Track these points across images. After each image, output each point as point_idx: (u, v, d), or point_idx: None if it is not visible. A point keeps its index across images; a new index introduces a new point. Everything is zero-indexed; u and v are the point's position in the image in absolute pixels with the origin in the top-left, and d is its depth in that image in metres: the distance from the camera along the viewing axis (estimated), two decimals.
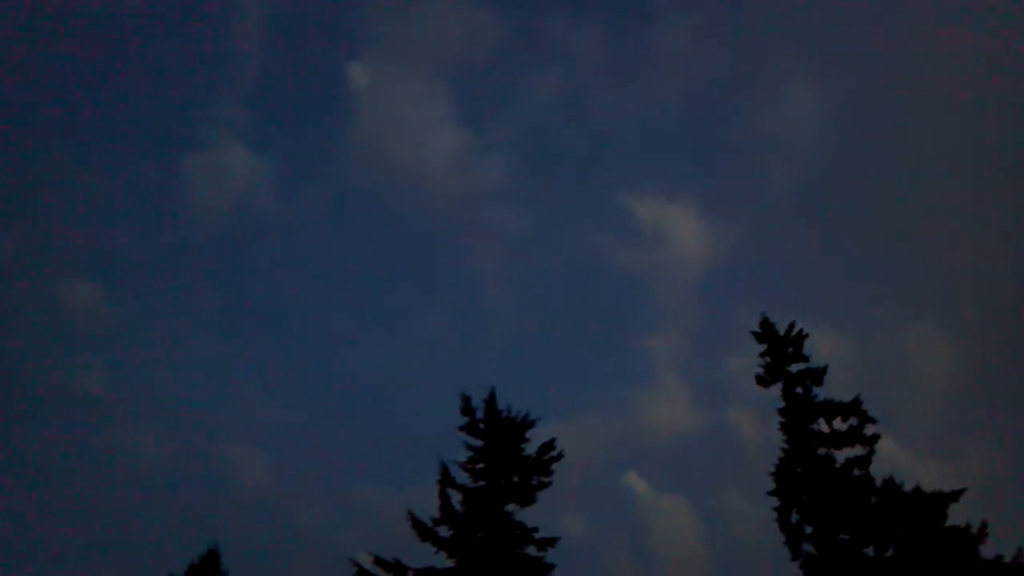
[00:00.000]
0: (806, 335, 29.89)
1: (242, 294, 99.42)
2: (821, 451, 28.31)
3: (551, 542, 26.88)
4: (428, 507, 27.27)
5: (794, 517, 27.77)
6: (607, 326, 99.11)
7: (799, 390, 29.22)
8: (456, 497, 27.35)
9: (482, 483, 27.56)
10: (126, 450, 73.49)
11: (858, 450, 28.25)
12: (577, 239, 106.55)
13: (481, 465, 27.78)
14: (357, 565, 26.31)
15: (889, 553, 26.75)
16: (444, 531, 26.99)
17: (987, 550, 26.15)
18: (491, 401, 28.40)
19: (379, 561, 26.36)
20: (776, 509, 27.94)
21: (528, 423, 28.26)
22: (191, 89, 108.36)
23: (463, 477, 27.69)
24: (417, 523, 26.89)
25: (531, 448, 28.05)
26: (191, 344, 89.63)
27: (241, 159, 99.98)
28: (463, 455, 27.94)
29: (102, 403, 77.49)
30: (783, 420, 28.88)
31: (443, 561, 26.69)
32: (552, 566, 26.63)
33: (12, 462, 65.58)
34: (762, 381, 29.70)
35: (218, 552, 32.30)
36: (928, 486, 27.12)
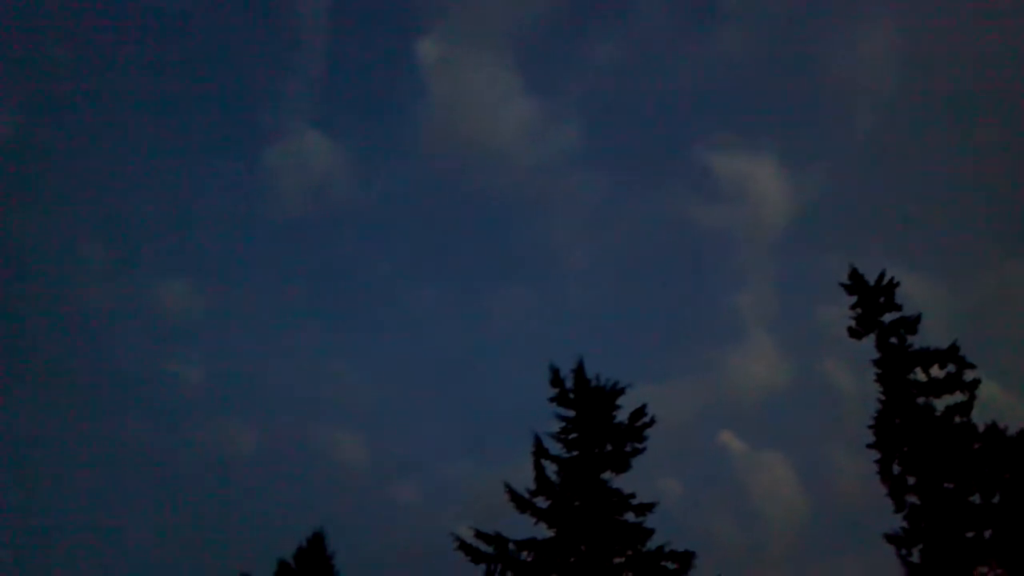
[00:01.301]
0: (897, 283, 29.73)
1: (328, 279, 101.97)
2: (920, 400, 28.32)
3: (649, 507, 27.41)
4: (523, 479, 28.06)
5: (896, 469, 27.92)
6: (692, 285, 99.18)
7: (893, 340, 29.18)
8: (551, 468, 28.00)
9: (576, 453, 28.16)
10: (227, 439, 76.51)
11: (958, 397, 28.23)
12: (656, 199, 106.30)
13: (574, 435, 28.36)
14: (459, 539, 27.09)
15: (996, 500, 26.81)
16: (541, 502, 27.69)
17: None
18: (580, 371, 28.88)
19: (480, 535, 27.17)
20: (877, 461, 28.11)
21: (618, 391, 28.72)
22: (263, 81, 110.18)
23: (557, 448, 28.33)
24: (514, 495, 27.63)
25: (622, 416, 28.51)
26: (282, 332, 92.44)
27: (317, 146, 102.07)
28: (555, 426, 28.54)
29: (200, 395, 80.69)
30: (879, 371, 28.91)
31: (542, 531, 27.48)
32: (651, 531, 27.12)
33: (119, 456, 68.71)
34: (855, 333, 29.70)
35: (323, 535, 33.78)
36: None
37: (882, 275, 29.88)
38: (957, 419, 27.91)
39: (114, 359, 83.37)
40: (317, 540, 34.25)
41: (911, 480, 27.69)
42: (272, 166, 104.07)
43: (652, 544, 26.89)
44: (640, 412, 28.40)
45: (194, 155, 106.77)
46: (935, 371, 28.52)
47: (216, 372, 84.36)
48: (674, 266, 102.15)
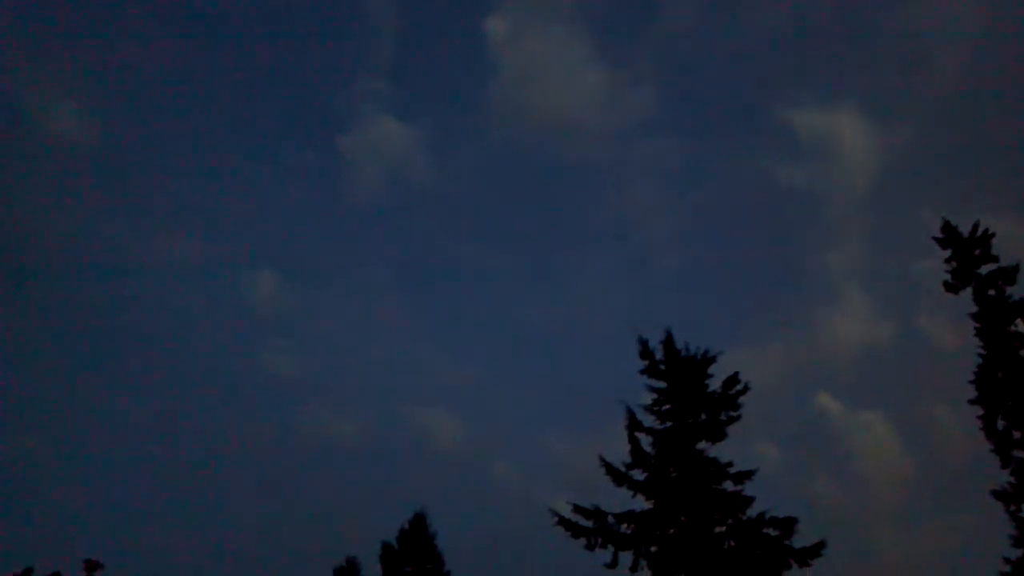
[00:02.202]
0: (992, 234, 29.15)
1: (411, 262, 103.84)
2: (1022, 353, 27.87)
3: (747, 475, 27.61)
4: (617, 452, 28.53)
5: (1000, 424, 27.56)
6: (779, 246, 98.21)
7: (991, 292, 28.72)
8: (646, 440, 28.41)
9: (670, 424, 28.48)
10: (325, 427, 79.09)
11: None
12: (736, 161, 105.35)
13: (667, 406, 28.66)
14: (557, 515, 27.69)
15: None
16: (638, 474, 28.12)
17: None
18: (668, 341, 29.11)
19: (578, 509, 27.72)
20: (980, 417, 27.81)
21: (709, 359, 28.91)
22: (336, 71, 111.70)
23: (650, 420, 28.68)
24: (611, 469, 28.10)
25: (715, 384, 28.71)
26: (370, 317, 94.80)
27: (392, 131, 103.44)
28: (647, 398, 28.90)
29: (294, 383, 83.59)
30: (977, 325, 28.49)
31: (640, 504, 27.94)
32: (751, 498, 27.32)
33: (221, 447, 71.56)
34: (951, 287, 29.29)
35: (424, 516, 35.00)
36: None
37: (976, 226, 29.36)
38: None
39: (210, 353, 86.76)
40: (419, 521, 35.51)
41: (1017, 435, 27.35)
42: (349, 154, 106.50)
43: (752, 512, 27.12)
44: (733, 379, 28.55)
45: (272, 149, 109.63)
46: None
47: (310, 361, 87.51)
48: (759, 228, 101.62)
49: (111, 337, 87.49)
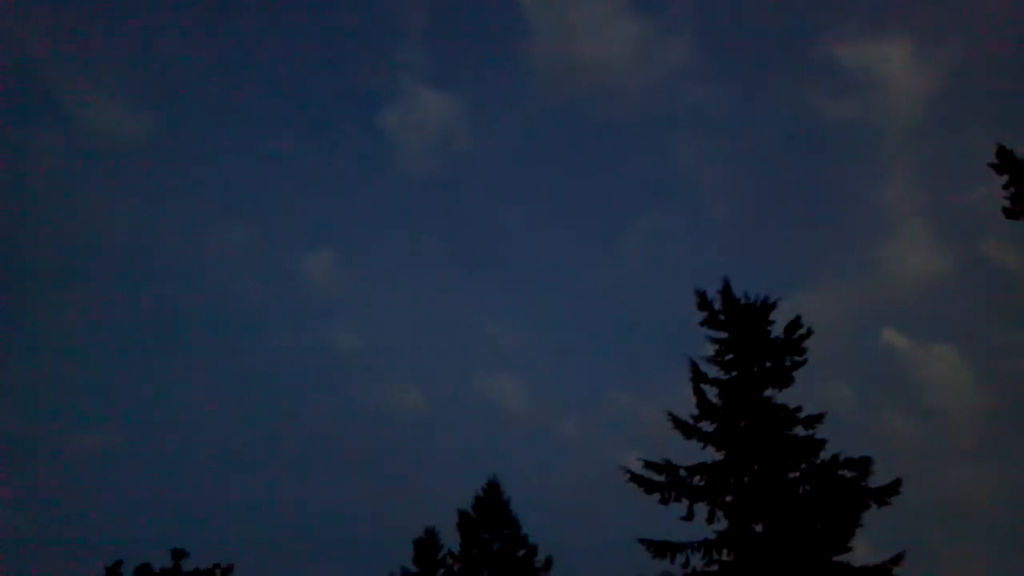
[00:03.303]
0: None
1: (462, 232, 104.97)
2: None
3: (817, 418, 27.86)
4: (682, 405, 28.94)
5: None
6: (831, 184, 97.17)
7: None
8: (711, 391, 28.74)
9: (735, 374, 28.79)
10: (392, 401, 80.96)
11: None
12: (781, 102, 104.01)
13: (730, 356, 28.97)
14: (629, 472, 28.17)
15: None
16: (706, 426, 28.49)
17: None
18: (727, 291, 29.32)
19: (649, 464, 28.17)
20: None
21: (769, 305, 29.11)
22: (371, 46, 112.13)
23: (714, 371, 29.02)
24: (678, 422, 28.50)
25: (777, 330, 28.90)
26: (425, 288, 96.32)
27: (431, 101, 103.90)
28: (709, 349, 29.22)
29: (358, 359, 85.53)
30: None
31: (711, 455, 28.38)
32: (823, 441, 27.57)
33: (290, 427, 73.69)
34: (1011, 214, 28.70)
35: (498, 483, 35.93)
36: None
37: None
38: None
39: (273, 336, 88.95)
40: (492, 488, 36.45)
41: None
42: (391, 128, 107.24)
43: (826, 455, 27.38)
44: (795, 324, 28.73)
45: (316, 129, 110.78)
46: None
47: (372, 337, 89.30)
48: (810, 167, 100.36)
49: (172, 329, 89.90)
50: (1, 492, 66.15)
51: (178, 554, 31.87)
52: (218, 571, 31.94)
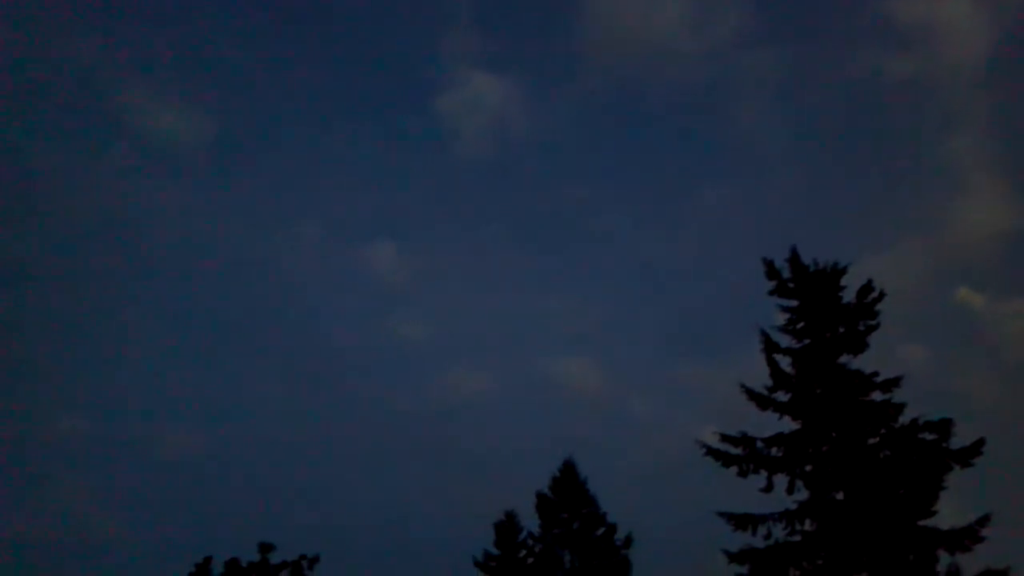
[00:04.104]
0: None
1: (523, 213, 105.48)
2: None
3: (895, 382, 27.79)
4: (755, 376, 29.08)
5: None
6: (896, 142, 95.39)
7: None
8: (784, 361, 28.81)
9: (807, 341, 28.82)
10: (458, 387, 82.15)
11: None
12: (839, 62, 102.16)
13: (801, 324, 28.99)
14: (705, 445, 28.42)
15: None
16: (781, 396, 28.59)
17: None
18: (795, 258, 29.27)
19: (725, 438, 28.38)
20: None
21: (840, 270, 29.04)
22: (423, 32, 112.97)
23: (786, 340, 29.05)
24: (752, 394, 28.64)
25: (849, 295, 28.83)
26: (489, 273, 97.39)
27: (485, 85, 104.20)
28: (780, 319, 29.29)
29: (427, 348, 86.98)
30: None
31: (787, 425, 28.49)
32: (902, 405, 27.51)
33: (362, 419, 75.42)
34: None
35: (574, 463, 36.50)
36: None
37: None
38: None
39: (342, 330, 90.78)
40: (568, 469, 37.05)
41: None
42: (447, 115, 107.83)
43: (904, 418, 27.36)
44: (867, 288, 28.64)
45: (370, 120, 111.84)
46: None
47: (439, 324, 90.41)
48: (872, 126, 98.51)
49: (241, 329, 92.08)
50: (92, 493, 68.92)
51: (265, 547, 32.95)
52: (304, 562, 32.97)
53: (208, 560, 32.87)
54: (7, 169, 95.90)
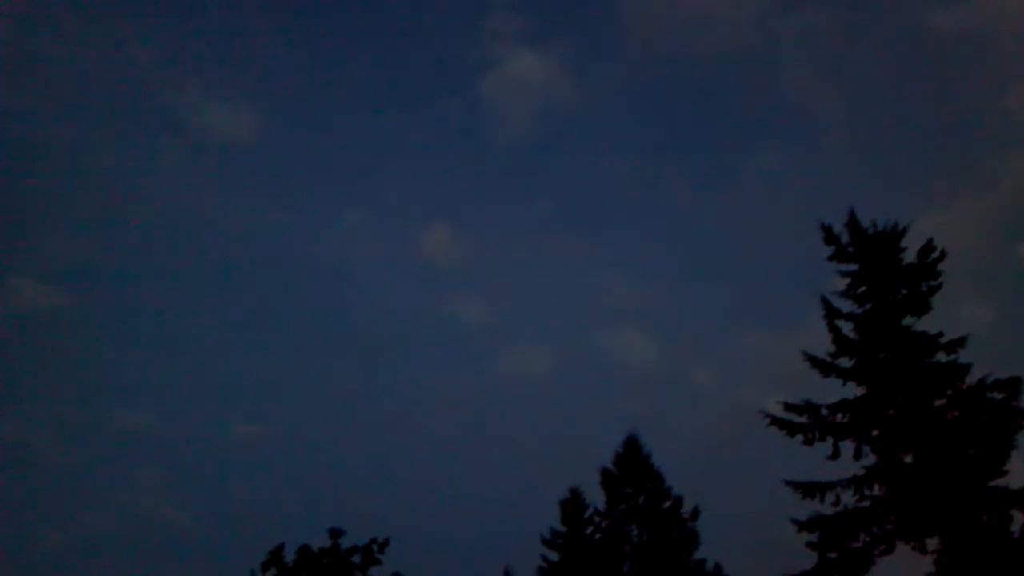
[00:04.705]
0: None
1: (573, 190, 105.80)
2: None
3: (959, 343, 27.63)
4: (817, 344, 29.07)
5: None
6: (950, 98, 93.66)
7: None
8: (847, 326, 28.76)
9: (869, 305, 28.75)
10: (518, 366, 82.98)
11: None
12: (887, 20, 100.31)
13: (862, 288, 28.91)
14: (769, 415, 28.51)
15: None
16: (845, 362, 28.56)
17: None
18: (853, 222, 29.15)
19: (789, 407, 28.41)
20: None
21: (899, 231, 28.89)
22: (463, 14, 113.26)
23: (847, 305, 29.01)
24: (815, 361, 28.66)
25: (909, 256, 28.68)
26: (543, 251, 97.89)
27: (529, 62, 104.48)
28: (840, 284, 29.21)
29: (485, 330, 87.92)
30: None
31: (852, 391, 28.46)
32: (967, 366, 27.37)
33: (424, 402, 76.54)
34: None
35: (637, 438, 36.83)
36: None
37: None
38: None
39: (398, 315, 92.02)
40: (632, 443, 37.41)
41: None
42: (491, 96, 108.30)
43: (971, 378, 27.22)
44: (928, 248, 28.45)
45: (417, 105, 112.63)
46: None
47: (494, 305, 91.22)
48: (925, 83, 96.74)
49: (303, 320, 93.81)
50: (159, 487, 70.81)
51: (335, 533, 33.55)
52: (374, 546, 33.53)
53: (280, 548, 33.48)
54: (64, 172, 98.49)
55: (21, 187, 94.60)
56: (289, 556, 33.34)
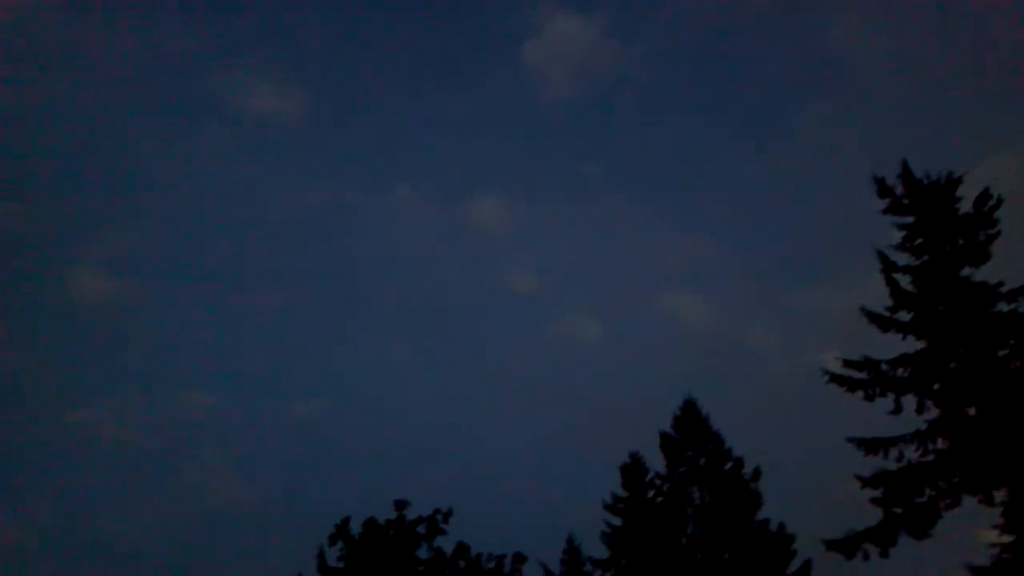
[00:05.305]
0: None
1: (620, 154, 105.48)
2: None
3: (1021, 291, 27.28)
4: (874, 299, 29.01)
5: None
6: (999, 37, 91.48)
7: None
8: (904, 280, 28.61)
9: (926, 257, 28.52)
10: (573, 333, 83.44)
11: None
12: None
13: (919, 240, 28.66)
14: (828, 372, 28.61)
15: None
16: (903, 316, 28.43)
17: None
18: (906, 173, 28.83)
19: (848, 363, 28.44)
20: None
21: (954, 180, 28.53)
22: None
23: (904, 258, 28.79)
24: (873, 316, 28.59)
25: (965, 205, 28.37)
26: (594, 217, 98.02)
27: (570, 26, 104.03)
28: (896, 237, 28.98)
29: (537, 297, 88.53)
30: None
31: (912, 345, 28.34)
32: None
33: (479, 372, 77.54)
34: None
35: (694, 401, 36.98)
36: None
37: None
38: None
39: (450, 286, 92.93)
40: (689, 406, 37.58)
41: None
42: (534, 62, 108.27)
43: None
44: (984, 196, 28.08)
45: (461, 76, 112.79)
46: None
47: (545, 272, 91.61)
48: (974, 24, 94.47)
49: (358, 295, 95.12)
50: (226, 465, 72.59)
51: (400, 504, 34.43)
52: (439, 516, 34.34)
53: (347, 521, 34.43)
54: (115, 162, 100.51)
55: (73, 181, 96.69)
56: (355, 529, 34.23)
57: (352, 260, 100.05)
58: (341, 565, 33.69)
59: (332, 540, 34.07)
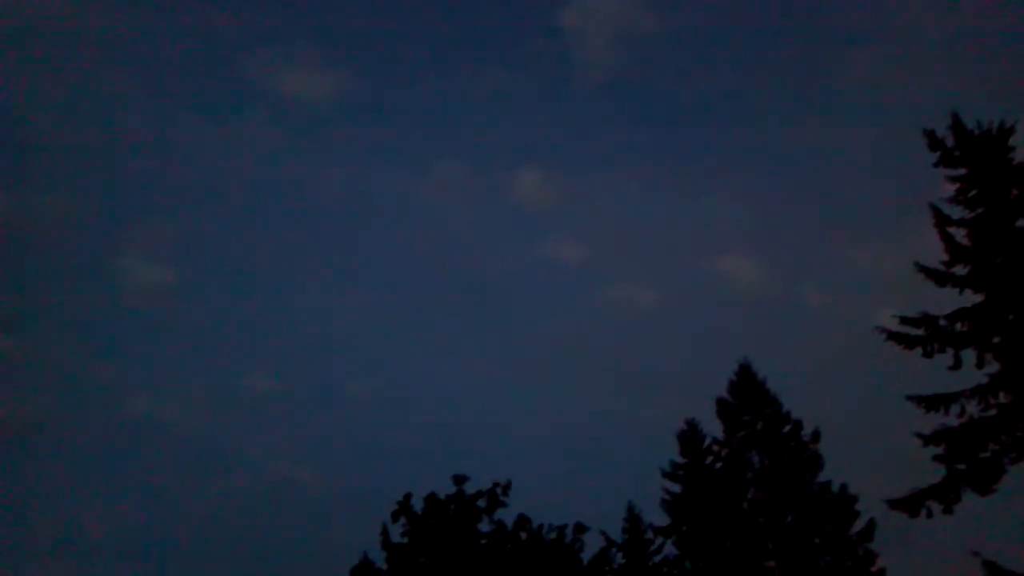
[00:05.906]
0: None
1: (663, 120, 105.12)
2: None
3: None
4: (927, 254, 28.74)
5: None
6: None
7: None
8: (959, 233, 28.30)
9: (981, 210, 28.17)
10: (624, 302, 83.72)
11: None
12: None
13: (973, 192, 28.26)
14: (885, 330, 28.40)
15: None
16: (959, 270, 28.12)
17: None
18: (957, 124, 28.39)
19: (905, 320, 28.19)
20: None
21: (1007, 130, 28.06)
22: None
23: (957, 212, 28.42)
24: (929, 271, 28.29)
25: (1020, 155, 27.94)
26: (638, 184, 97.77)
27: None
28: (949, 190, 28.66)
29: (586, 268, 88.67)
30: None
31: (968, 299, 28.08)
32: None
33: (532, 346, 78.08)
34: None
35: (749, 365, 37.08)
36: None
37: None
38: None
39: (498, 262, 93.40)
40: (745, 370, 37.69)
41: None
42: (571, 30, 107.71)
43: None
44: None
45: (497, 48, 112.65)
46: None
47: (593, 243, 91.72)
48: None
49: (405, 274, 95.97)
50: (282, 448, 73.99)
51: (459, 479, 34.99)
52: (498, 489, 34.84)
53: (408, 497, 35.05)
54: (158, 151, 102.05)
55: (119, 172, 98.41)
56: (417, 504, 34.85)
57: (395, 239, 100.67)
58: (405, 540, 34.34)
59: (395, 516, 34.71)
